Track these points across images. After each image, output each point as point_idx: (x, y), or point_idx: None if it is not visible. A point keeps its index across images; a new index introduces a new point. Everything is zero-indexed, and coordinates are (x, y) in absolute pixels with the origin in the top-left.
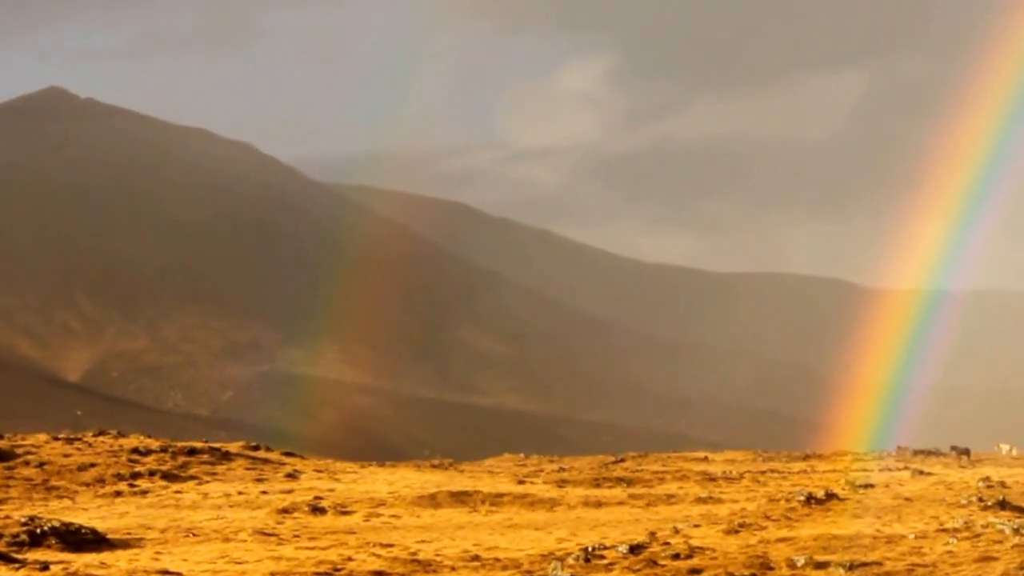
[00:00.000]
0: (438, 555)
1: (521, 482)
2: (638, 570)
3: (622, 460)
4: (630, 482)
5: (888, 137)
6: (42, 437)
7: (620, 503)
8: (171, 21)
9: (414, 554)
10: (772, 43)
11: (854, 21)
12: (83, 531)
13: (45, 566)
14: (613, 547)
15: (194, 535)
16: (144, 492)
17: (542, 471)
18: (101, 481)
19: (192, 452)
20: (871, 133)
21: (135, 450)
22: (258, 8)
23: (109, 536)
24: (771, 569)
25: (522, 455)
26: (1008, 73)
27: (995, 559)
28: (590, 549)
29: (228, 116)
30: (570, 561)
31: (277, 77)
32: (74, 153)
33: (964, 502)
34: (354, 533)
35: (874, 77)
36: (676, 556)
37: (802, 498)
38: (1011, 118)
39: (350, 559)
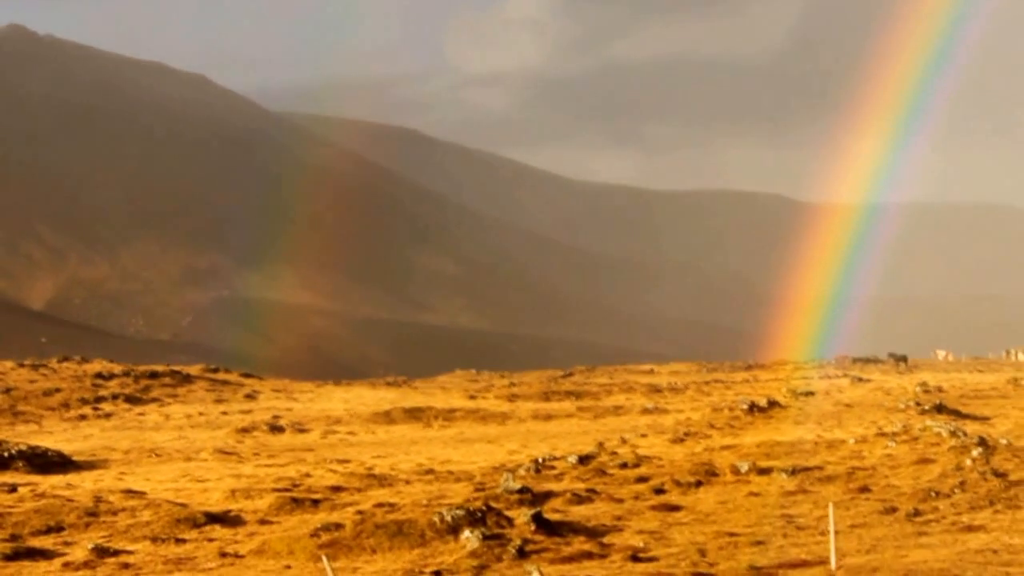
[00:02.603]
0: (393, 469)
1: (472, 397)
2: (587, 479)
3: (570, 374)
4: (578, 395)
5: (825, 57)
6: (8, 364)
7: (569, 416)
8: None
9: (370, 469)
10: None
11: None
12: (49, 453)
13: (13, 488)
14: (563, 458)
15: (157, 455)
16: (108, 415)
17: (493, 387)
18: (66, 405)
19: (154, 375)
20: (809, 53)
21: (98, 375)
22: None
23: (75, 458)
24: (716, 475)
25: (473, 371)
26: None
27: (933, 461)
28: (540, 460)
29: (183, 49)
30: (521, 472)
31: (230, 8)
32: (34, 88)
33: (902, 407)
34: (312, 450)
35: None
36: (624, 465)
37: (745, 407)
38: (942, 37)
39: (308, 475)
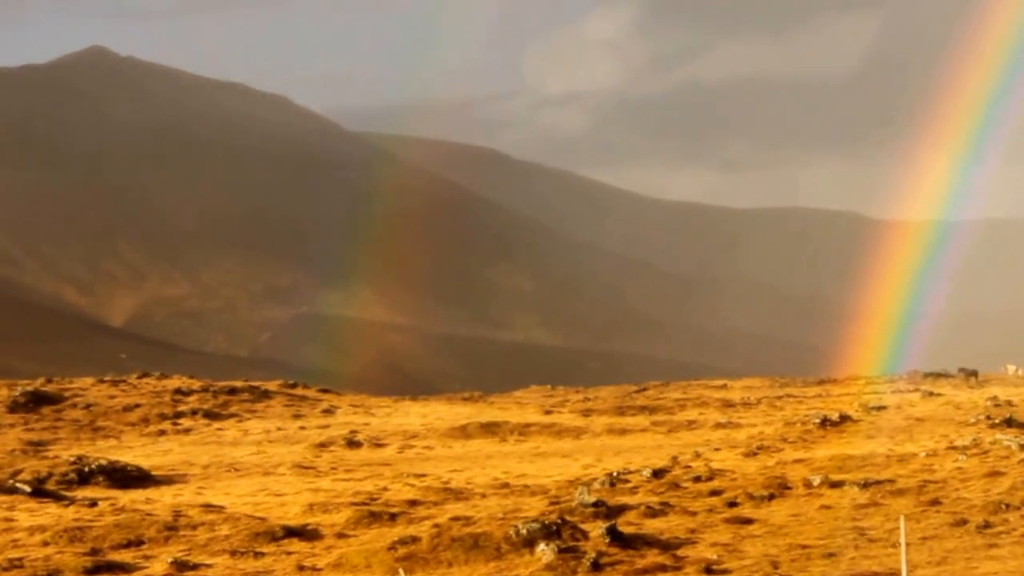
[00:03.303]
0: (469, 483)
1: (548, 412)
2: (661, 493)
3: (644, 389)
4: (652, 410)
5: (900, 76)
6: (89, 380)
7: (643, 430)
8: None
9: (446, 483)
10: None
11: None
12: (129, 469)
13: (93, 503)
14: (637, 472)
15: (235, 470)
16: (187, 430)
17: (568, 402)
18: (145, 421)
19: (232, 391)
20: (884, 72)
21: (178, 390)
22: None
23: (154, 473)
24: (788, 489)
25: (549, 387)
26: (1015, 10)
27: (1003, 474)
28: (615, 474)
29: (264, 70)
30: (596, 486)
31: (311, 30)
32: (115, 109)
33: (972, 421)
34: (389, 464)
35: (887, 18)
36: (697, 479)
37: (817, 421)
38: (1014, 55)
39: (385, 489)
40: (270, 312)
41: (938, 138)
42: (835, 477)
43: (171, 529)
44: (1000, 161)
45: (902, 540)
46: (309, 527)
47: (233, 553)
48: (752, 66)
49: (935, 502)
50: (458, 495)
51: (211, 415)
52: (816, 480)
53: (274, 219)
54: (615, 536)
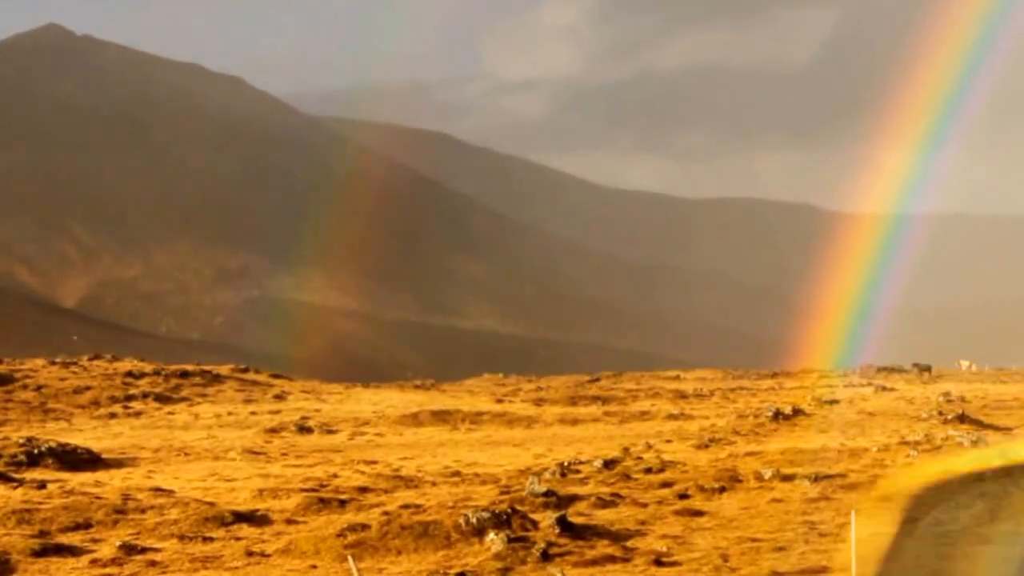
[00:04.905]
0: (420, 471)
1: (500, 401)
2: (612, 483)
3: (597, 379)
4: (605, 400)
5: (857, 68)
6: (40, 362)
7: (595, 420)
8: None
9: (397, 470)
10: None
11: None
12: (79, 451)
13: (42, 484)
14: (588, 462)
15: (186, 454)
16: (138, 413)
17: (520, 390)
18: (96, 403)
19: (184, 375)
20: (841, 64)
21: (129, 373)
22: None
23: (104, 456)
24: (740, 482)
25: (501, 375)
26: (972, 6)
27: None
28: (566, 464)
29: (220, 51)
30: (547, 476)
31: (269, 11)
32: (70, 88)
33: (925, 416)
34: (339, 451)
35: (845, 10)
36: (648, 470)
37: (770, 414)
38: (975, 45)
39: (336, 475)
40: (222, 295)
41: (895, 131)
42: (786, 471)
43: (120, 512)
44: (956, 155)
45: (852, 535)
46: (259, 512)
47: (182, 537)
48: (711, 55)
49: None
50: (408, 483)
51: (162, 399)
52: (767, 473)
53: (227, 201)
54: (565, 526)
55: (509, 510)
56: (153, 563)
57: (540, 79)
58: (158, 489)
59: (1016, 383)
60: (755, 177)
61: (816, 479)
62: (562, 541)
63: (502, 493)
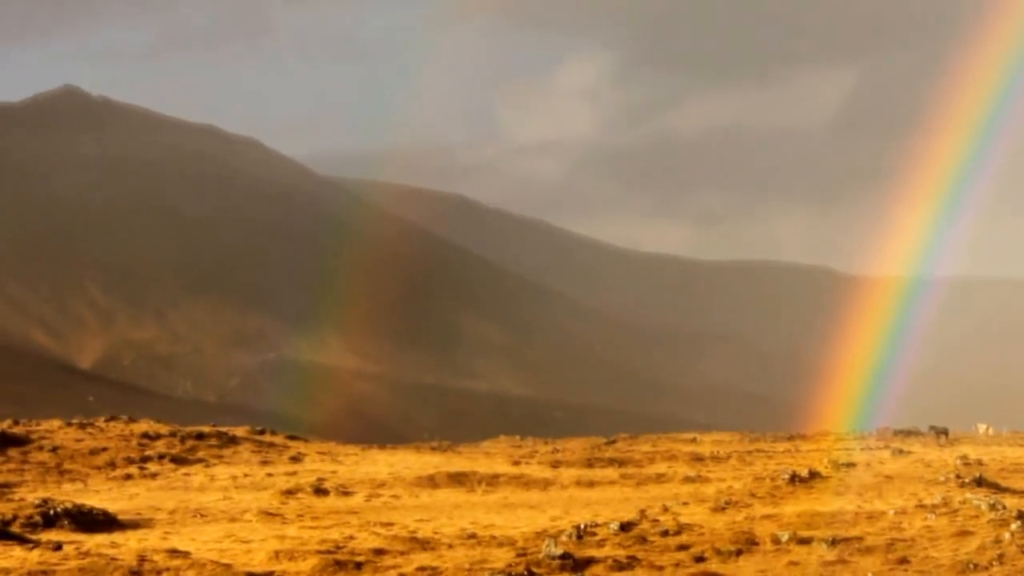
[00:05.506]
0: (436, 533)
1: (516, 463)
2: (629, 546)
3: (614, 441)
4: (621, 462)
5: (876, 129)
6: (56, 423)
7: (612, 483)
8: (182, 20)
9: (413, 532)
10: (766, 39)
11: (845, 18)
12: (95, 512)
13: (58, 546)
14: (605, 525)
15: (202, 516)
16: (154, 475)
17: (537, 453)
18: (112, 465)
19: (200, 436)
20: (860, 126)
21: (145, 435)
22: (265, 4)
23: (120, 517)
24: (756, 545)
25: (517, 437)
26: (990, 70)
27: (972, 534)
28: (582, 527)
29: (236, 113)
30: (563, 538)
31: (284, 73)
32: (87, 151)
33: (942, 479)
34: (356, 513)
35: (863, 72)
36: (665, 533)
37: (787, 477)
38: (992, 113)
39: (352, 537)
40: (238, 357)
41: (913, 193)
42: (803, 533)
43: (136, 574)
44: (975, 218)
45: None
46: (275, 574)
47: None
48: (728, 117)
49: (903, 560)
50: (425, 545)
51: (178, 460)
52: (784, 536)
53: (243, 263)
54: None
55: (526, 573)
56: None
57: (557, 141)
58: (174, 551)
59: None
60: (772, 240)
61: (833, 542)
62: None
63: (519, 556)
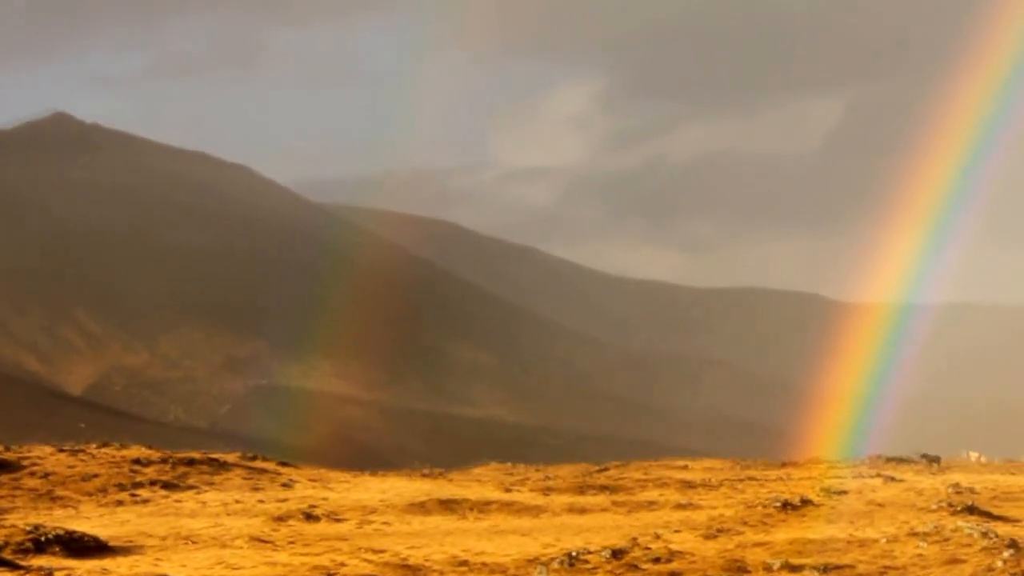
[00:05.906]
0: (427, 560)
1: (507, 490)
2: (620, 574)
3: (605, 468)
4: (613, 489)
5: (864, 156)
6: (47, 449)
7: (603, 510)
8: (172, 46)
9: (404, 559)
10: (756, 66)
11: (835, 45)
12: (86, 539)
13: (49, 573)
14: (596, 552)
15: (192, 542)
16: (145, 501)
17: (528, 479)
18: (103, 491)
19: (191, 462)
20: (848, 152)
21: (136, 461)
22: (256, 30)
23: (111, 543)
24: (747, 572)
25: (508, 464)
26: (979, 97)
27: (963, 562)
28: (573, 554)
29: (227, 139)
30: (554, 566)
31: (275, 100)
32: (77, 177)
33: (934, 507)
34: (346, 539)
35: (852, 100)
36: (656, 560)
37: (778, 504)
38: (982, 137)
39: (343, 564)
40: (230, 383)
41: (903, 220)
42: (795, 561)
43: None
44: (966, 244)
45: None
46: None
47: None
48: (719, 144)
49: None
50: (416, 572)
51: (169, 486)
52: (776, 564)
53: (235, 289)
54: None
55: None
56: None
57: (548, 167)
58: None
59: None
60: (762, 266)
61: (824, 570)
62: None
63: None
